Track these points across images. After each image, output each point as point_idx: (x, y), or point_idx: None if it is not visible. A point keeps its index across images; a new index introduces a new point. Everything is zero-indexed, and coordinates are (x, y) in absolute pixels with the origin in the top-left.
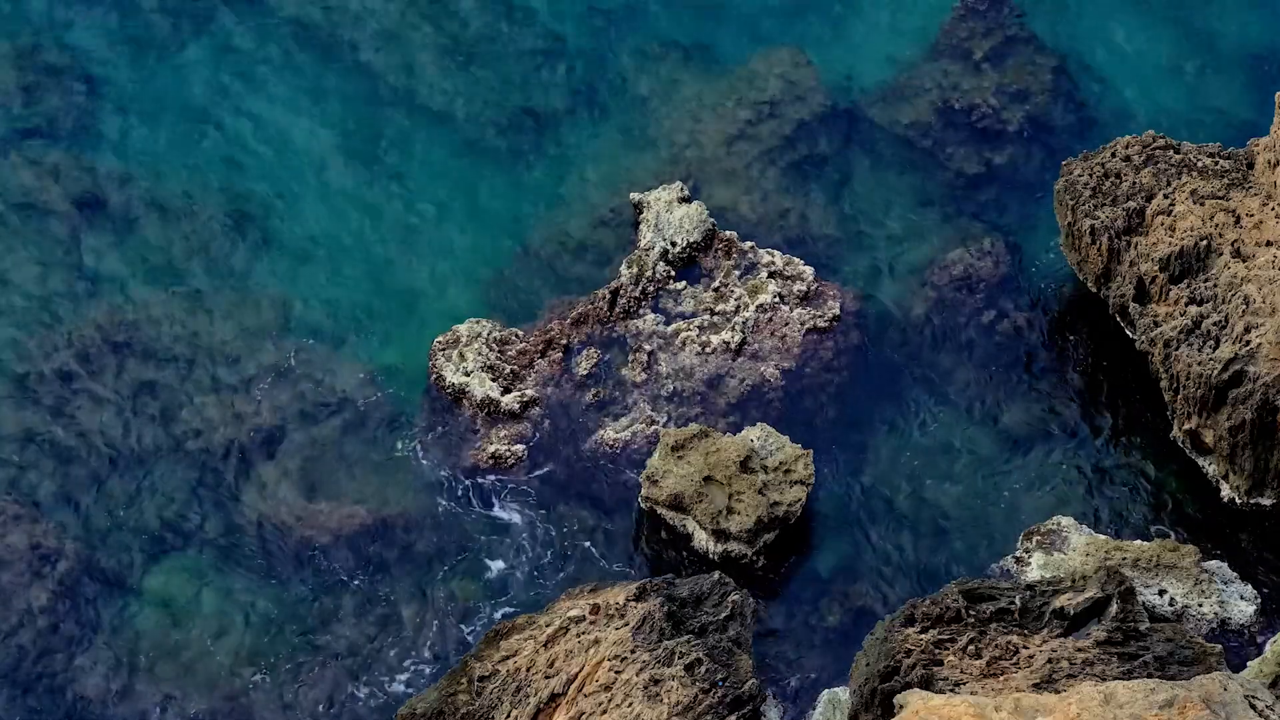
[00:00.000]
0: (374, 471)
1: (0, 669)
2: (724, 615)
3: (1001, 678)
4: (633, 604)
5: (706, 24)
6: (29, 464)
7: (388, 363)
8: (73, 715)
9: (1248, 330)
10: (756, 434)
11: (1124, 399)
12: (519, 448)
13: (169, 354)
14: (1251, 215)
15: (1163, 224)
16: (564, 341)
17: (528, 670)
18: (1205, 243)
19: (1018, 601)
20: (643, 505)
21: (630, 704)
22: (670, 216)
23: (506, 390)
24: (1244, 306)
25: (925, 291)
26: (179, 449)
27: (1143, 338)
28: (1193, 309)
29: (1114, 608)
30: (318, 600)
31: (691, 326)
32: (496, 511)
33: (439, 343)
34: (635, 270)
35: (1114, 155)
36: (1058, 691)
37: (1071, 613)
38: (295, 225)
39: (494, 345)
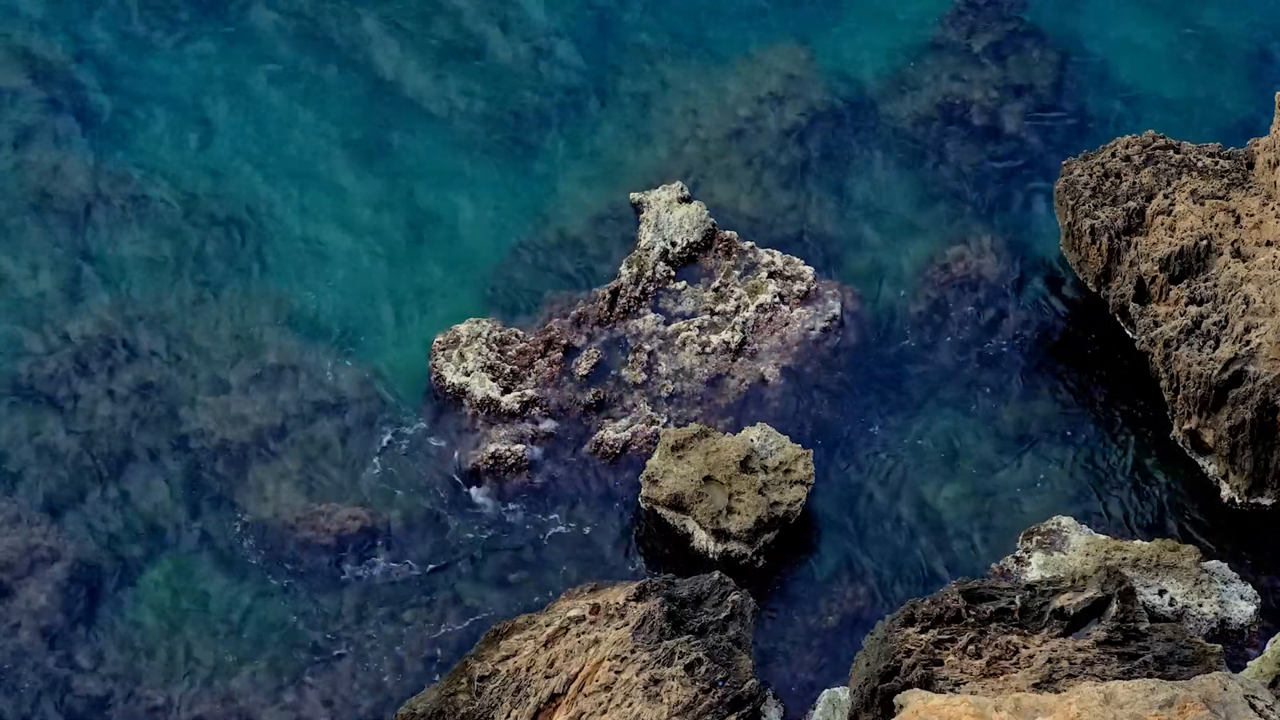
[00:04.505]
0: (374, 472)
1: (0, 669)
2: (724, 615)
3: (1001, 678)
4: (633, 604)
5: (705, 20)
6: (29, 464)
7: (388, 363)
8: (73, 715)
9: (1248, 330)
10: (756, 434)
11: (1124, 399)
12: (519, 448)
13: (168, 354)
14: (1251, 215)
15: (1163, 224)
16: (564, 341)
17: (528, 670)
18: (1205, 243)
19: (1018, 601)
20: (643, 505)
21: (630, 704)
22: (670, 216)
23: (506, 390)
24: (1244, 306)
25: (926, 290)
26: (179, 449)
27: (1143, 338)
28: (1193, 309)
29: (1114, 608)
30: (317, 601)
31: (691, 326)
32: (496, 512)
33: (439, 343)
34: (635, 270)
35: (1114, 155)
36: (1058, 691)
37: (1071, 613)
38: (295, 225)
39: (494, 345)
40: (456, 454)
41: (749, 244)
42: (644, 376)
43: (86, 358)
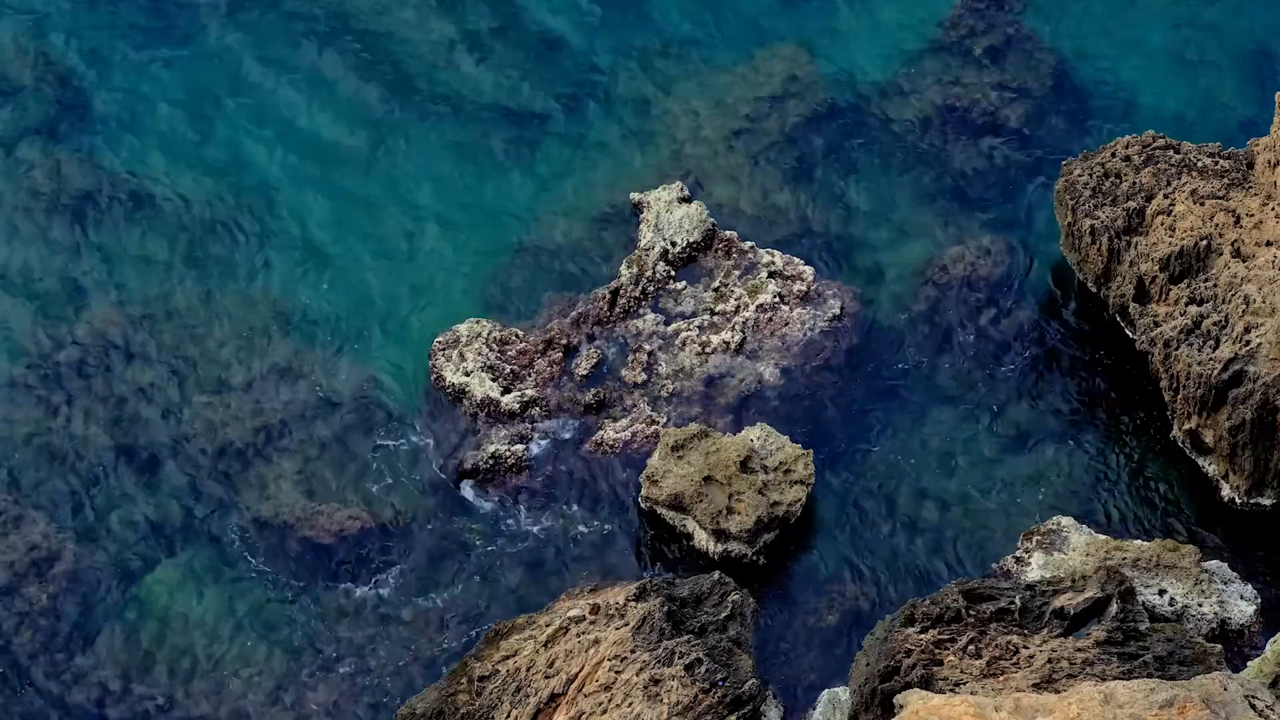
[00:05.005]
0: (374, 471)
1: (0, 669)
2: (724, 615)
3: (1001, 678)
4: (633, 604)
5: (707, 21)
6: (29, 464)
7: (388, 363)
8: (73, 715)
9: (1248, 330)
10: (756, 434)
11: (1124, 399)
12: (519, 448)
13: (169, 354)
14: (1251, 215)
15: (1163, 224)
16: (564, 341)
17: (528, 670)
18: (1205, 243)
19: (1018, 601)
20: (643, 505)
21: (630, 704)
22: (670, 216)
23: (506, 390)
24: (1244, 306)
25: (925, 291)
26: (179, 449)
27: (1143, 338)
28: (1193, 309)
29: (1114, 608)
30: (318, 601)
31: (691, 326)
32: (496, 512)
33: (439, 343)
34: (635, 270)
35: (1114, 155)
36: (1058, 691)
37: (1071, 613)
38: (295, 224)
39: (494, 345)
40: (456, 454)
41: (749, 244)
42: (644, 376)
43: (87, 358)
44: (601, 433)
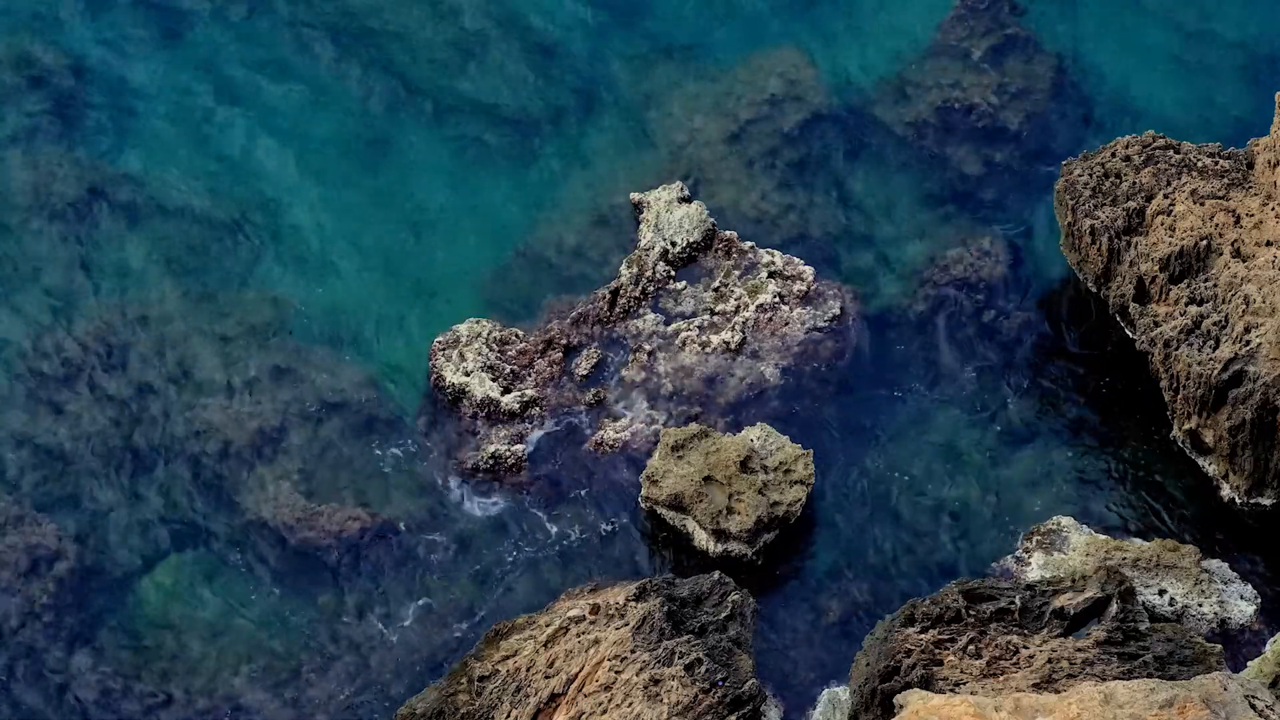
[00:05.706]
0: (374, 472)
1: (0, 669)
2: (724, 615)
3: (1001, 678)
4: (633, 604)
5: (707, 23)
6: (29, 464)
7: (388, 363)
8: (73, 715)
9: (1248, 330)
10: (756, 434)
11: (1124, 399)
12: (519, 448)
13: (169, 354)
14: (1251, 215)
15: (1163, 224)
16: (564, 341)
17: (528, 670)
18: (1205, 243)
19: (1018, 601)
20: (643, 505)
21: (630, 704)
22: (670, 216)
23: (506, 390)
24: (1244, 306)
25: (925, 291)
26: (179, 449)
27: (1143, 338)
28: (1193, 309)
29: (1114, 608)
30: (317, 601)
31: (691, 326)
32: (496, 511)
33: (439, 343)
34: (635, 270)
35: (1114, 155)
36: (1058, 691)
37: (1071, 613)
38: (295, 225)
39: (494, 345)
40: (456, 454)
41: (749, 244)
42: (644, 376)
43: (87, 358)
44: (601, 433)
